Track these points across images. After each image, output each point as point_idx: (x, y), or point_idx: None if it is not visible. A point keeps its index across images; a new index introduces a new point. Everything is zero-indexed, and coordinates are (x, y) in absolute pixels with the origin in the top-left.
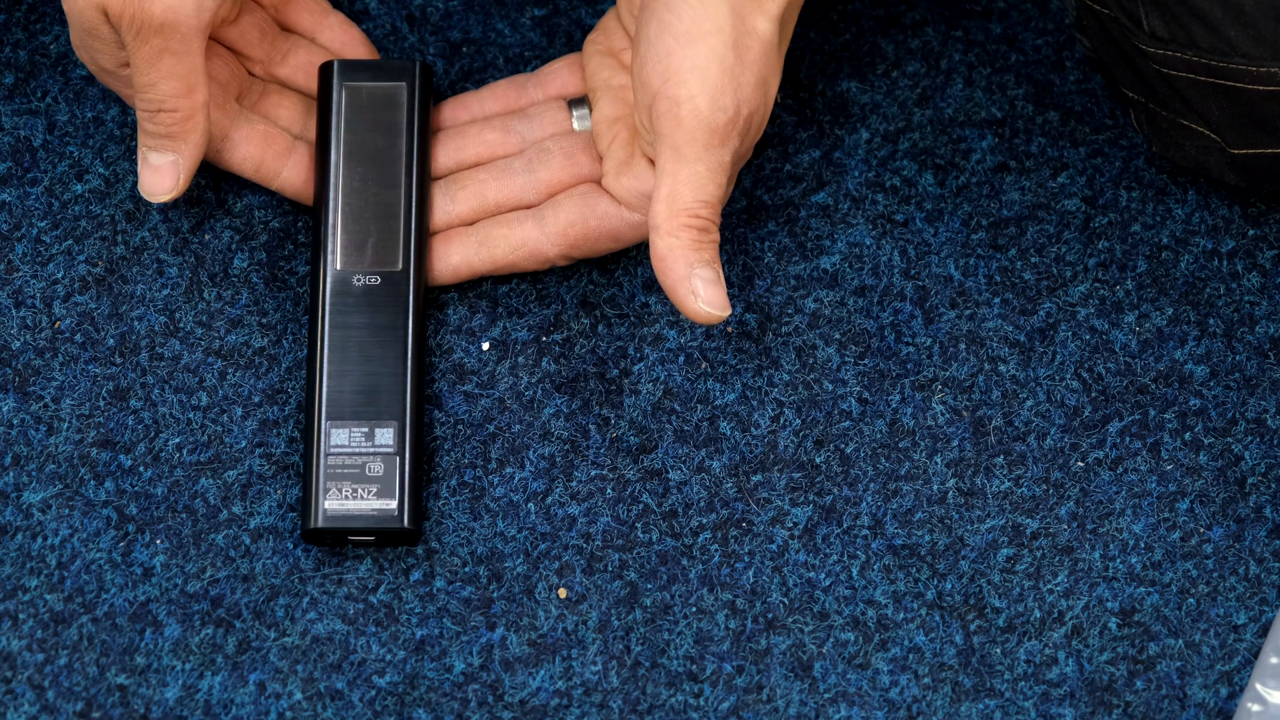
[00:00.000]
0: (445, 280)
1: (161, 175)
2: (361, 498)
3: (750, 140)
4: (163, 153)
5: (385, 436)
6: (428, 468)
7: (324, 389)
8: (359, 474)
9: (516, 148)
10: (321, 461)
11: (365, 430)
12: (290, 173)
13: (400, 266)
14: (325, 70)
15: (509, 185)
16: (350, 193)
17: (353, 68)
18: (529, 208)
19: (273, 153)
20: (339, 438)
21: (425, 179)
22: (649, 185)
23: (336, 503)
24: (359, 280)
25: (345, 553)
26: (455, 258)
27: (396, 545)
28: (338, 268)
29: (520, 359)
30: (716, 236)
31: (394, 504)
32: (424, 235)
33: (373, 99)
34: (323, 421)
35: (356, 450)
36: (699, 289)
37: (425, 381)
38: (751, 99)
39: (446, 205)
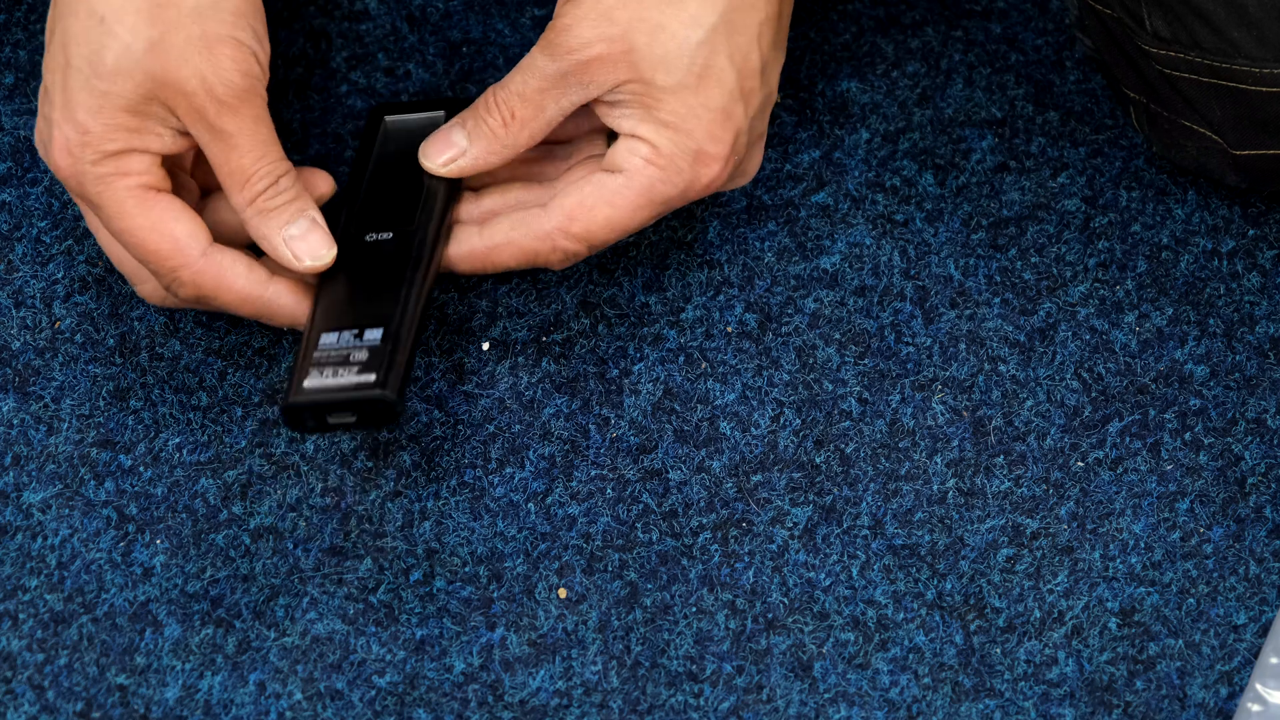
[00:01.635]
0: (449, 267)
1: (315, 236)
2: (342, 376)
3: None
4: (298, 219)
5: (374, 336)
6: (420, 359)
7: (319, 305)
8: (343, 361)
9: (550, 165)
10: (308, 354)
11: (355, 332)
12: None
13: (414, 225)
14: (372, 114)
15: (533, 189)
16: (375, 187)
17: (394, 107)
18: None
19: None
20: (329, 340)
21: (457, 184)
22: (630, 148)
23: (316, 381)
24: (370, 237)
25: (345, 551)
26: (463, 247)
27: (378, 424)
28: (351, 230)
29: (520, 359)
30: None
31: (373, 377)
32: (444, 209)
33: (410, 127)
34: (312, 329)
35: (345, 346)
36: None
37: (431, 299)
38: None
39: (470, 208)
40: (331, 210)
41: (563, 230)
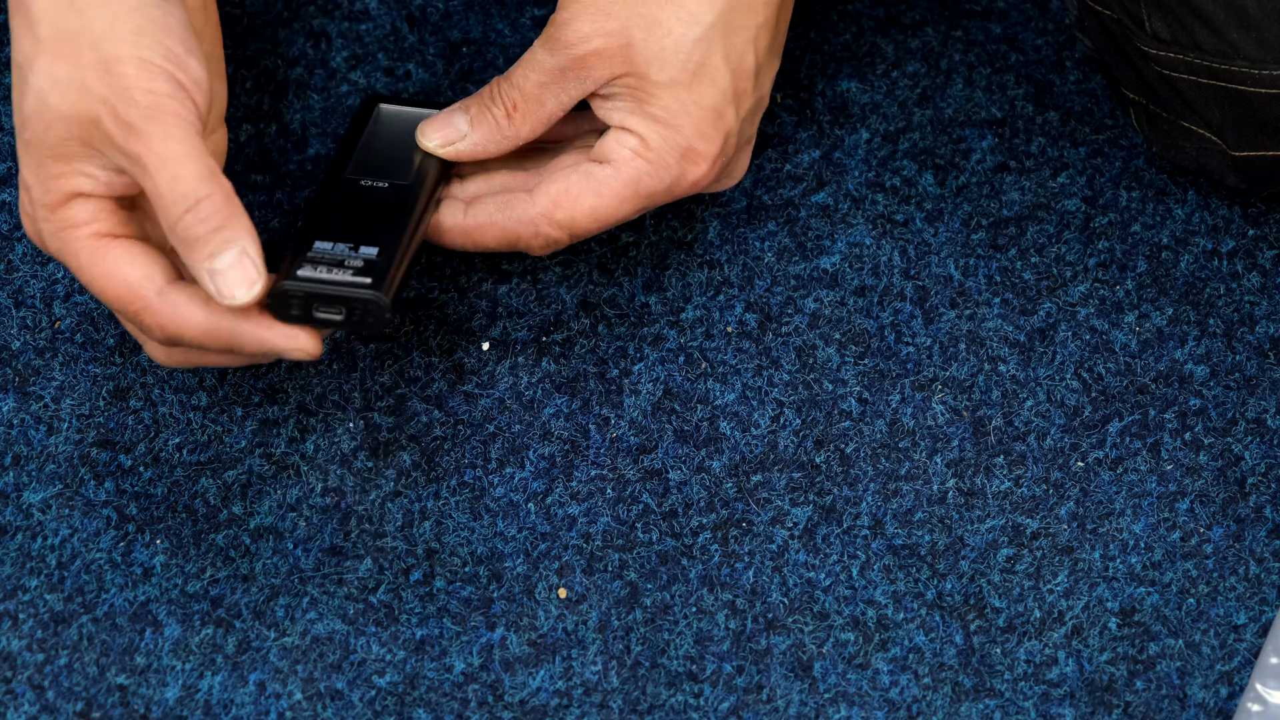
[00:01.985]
0: (433, 234)
1: (239, 271)
2: (336, 274)
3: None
4: (224, 251)
5: (369, 251)
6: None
7: (312, 217)
8: (338, 263)
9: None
10: (301, 253)
11: (350, 245)
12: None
13: (410, 180)
14: (366, 102)
15: (518, 174)
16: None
17: (390, 98)
18: None
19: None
20: (323, 245)
21: (448, 166)
22: (619, 140)
23: (309, 272)
24: (366, 183)
25: (345, 551)
26: (445, 221)
27: (365, 329)
28: (345, 175)
29: (520, 359)
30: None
31: (368, 280)
32: (438, 183)
33: (405, 116)
34: (302, 235)
35: (340, 254)
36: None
37: (423, 243)
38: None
39: (457, 188)
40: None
41: (546, 216)
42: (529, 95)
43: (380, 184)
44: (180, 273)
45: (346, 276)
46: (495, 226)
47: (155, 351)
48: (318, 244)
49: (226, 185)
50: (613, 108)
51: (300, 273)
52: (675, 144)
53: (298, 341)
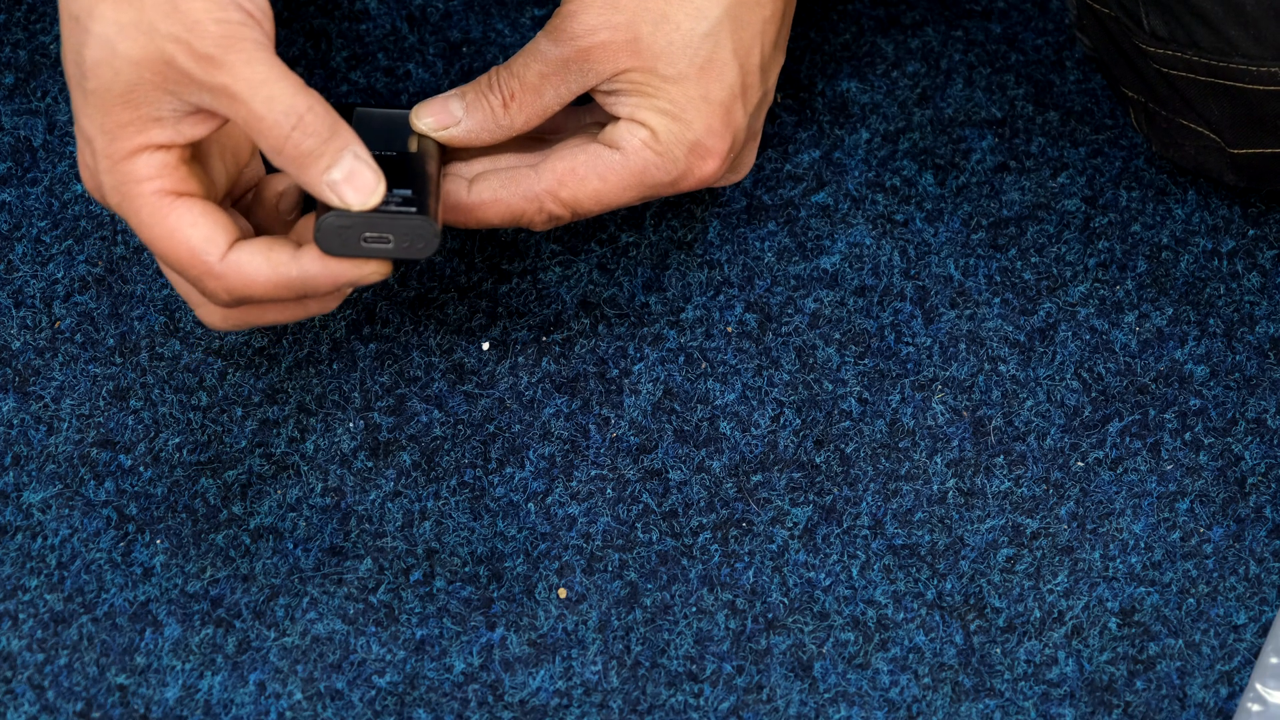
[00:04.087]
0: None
1: (360, 175)
2: (386, 204)
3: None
4: (339, 159)
5: (403, 192)
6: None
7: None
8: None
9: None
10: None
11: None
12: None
13: (416, 149)
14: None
15: (522, 155)
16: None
17: (366, 104)
18: None
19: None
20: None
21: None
22: (629, 129)
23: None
24: (376, 152)
25: (345, 551)
26: (450, 198)
27: (414, 253)
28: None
29: (520, 359)
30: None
31: (413, 209)
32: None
33: (384, 119)
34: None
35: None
36: None
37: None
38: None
39: (460, 166)
40: None
41: (551, 193)
42: (528, 85)
43: (389, 153)
44: (241, 231)
45: (394, 208)
46: (499, 203)
47: (210, 315)
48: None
49: (319, 96)
50: (620, 102)
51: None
52: (684, 138)
53: (368, 268)
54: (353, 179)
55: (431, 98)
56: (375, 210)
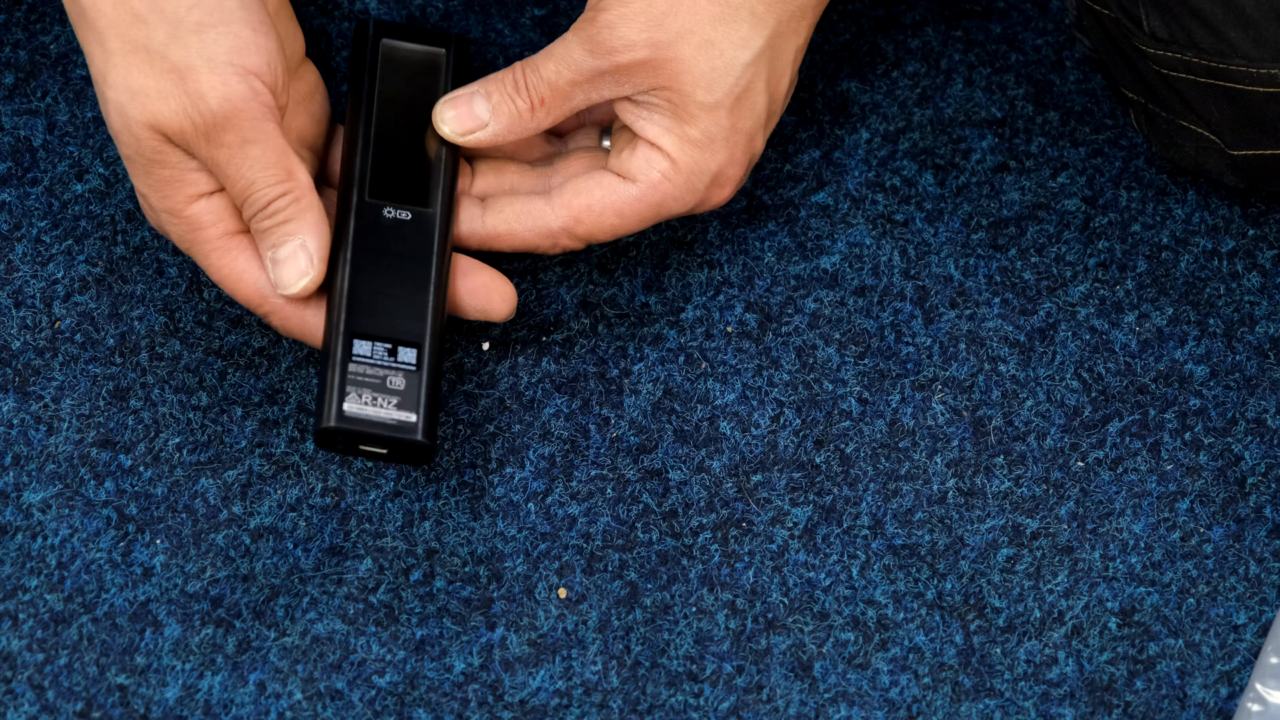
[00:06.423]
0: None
1: (292, 262)
2: (381, 406)
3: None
4: (286, 242)
5: (408, 356)
6: (445, 400)
7: (346, 301)
8: (380, 385)
9: (543, 153)
10: (343, 367)
11: (389, 348)
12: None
13: (430, 207)
14: (361, 28)
15: (528, 173)
16: (383, 132)
17: (390, 28)
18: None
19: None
20: (362, 349)
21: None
22: (648, 159)
23: (356, 406)
24: (389, 213)
25: (345, 551)
26: (462, 227)
27: (407, 461)
28: (366, 199)
29: (520, 359)
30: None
31: (414, 418)
32: (455, 180)
33: (411, 59)
34: (344, 332)
35: (379, 363)
36: None
37: (445, 315)
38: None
39: (463, 181)
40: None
41: (568, 231)
42: (559, 91)
43: (403, 214)
44: None
45: (393, 413)
46: (514, 236)
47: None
48: (357, 345)
49: (300, 180)
50: (646, 119)
51: (349, 409)
52: (707, 170)
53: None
54: (285, 264)
55: (454, 94)
56: (375, 422)
